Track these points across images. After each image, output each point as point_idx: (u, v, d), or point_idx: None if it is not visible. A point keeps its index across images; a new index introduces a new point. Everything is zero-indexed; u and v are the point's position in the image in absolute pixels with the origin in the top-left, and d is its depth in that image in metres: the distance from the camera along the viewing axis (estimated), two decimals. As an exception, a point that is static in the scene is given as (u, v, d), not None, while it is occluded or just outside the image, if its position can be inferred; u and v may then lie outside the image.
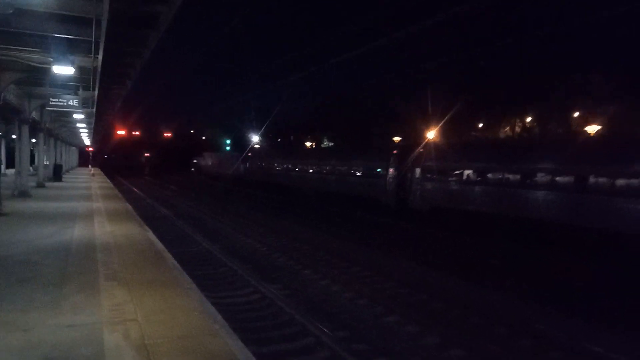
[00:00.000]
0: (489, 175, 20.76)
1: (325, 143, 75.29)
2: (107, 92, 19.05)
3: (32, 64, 13.44)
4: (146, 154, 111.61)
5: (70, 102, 15.94)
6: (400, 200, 26.18)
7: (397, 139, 45.62)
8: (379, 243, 17.75)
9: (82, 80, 16.40)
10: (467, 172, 21.85)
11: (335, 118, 61.90)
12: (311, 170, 35.61)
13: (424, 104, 46.45)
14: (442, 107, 42.75)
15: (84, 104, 20.21)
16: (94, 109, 23.96)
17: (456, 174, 22.51)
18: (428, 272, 13.05)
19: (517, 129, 53.21)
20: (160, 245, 11.29)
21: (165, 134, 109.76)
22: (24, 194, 21.36)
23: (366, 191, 29.08)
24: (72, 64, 12.03)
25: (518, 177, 19.15)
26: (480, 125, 56.55)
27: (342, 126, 60.44)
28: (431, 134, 41.40)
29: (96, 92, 17.80)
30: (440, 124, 39.04)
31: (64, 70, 12.19)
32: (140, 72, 17.15)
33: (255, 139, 79.36)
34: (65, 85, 16.97)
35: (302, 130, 68.64)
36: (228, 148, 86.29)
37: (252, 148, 61.83)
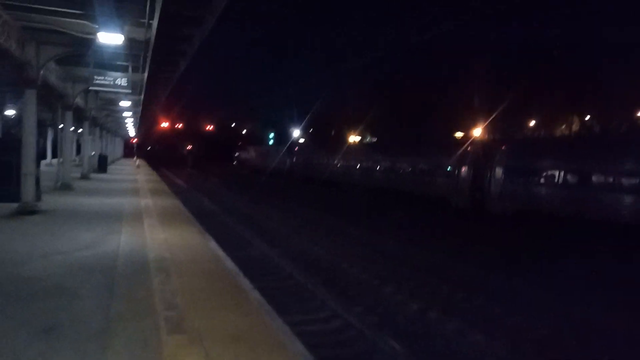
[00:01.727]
0: (594, 177, 17.37)
1: (369, 139, 72.07)
2: (157, 74, 16.61)
3: (75, 34, 10.89)
4: (188, 146, 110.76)
5: (118, 82, 13.45)
6: (476, 202, 22.91)
7: (459, 134, 42.03)
8: (463, 251, 14.69)
9: (132, 58, 13.86)
10: (564, 172, 18.47)
11: (386, 111, 58.57)
12: (367, 167, 32.56)
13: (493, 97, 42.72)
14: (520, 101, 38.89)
15: (132, 89, 17.76)
16: (142, 96, 21.58)
17: (549, 174, 19.14)
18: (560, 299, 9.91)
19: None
20: (230, 264, 8.51)
21: (208, 127, 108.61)
22: (66, 187, 19.18)
23: (432, 190, 25.88)
24: (121, 30, 9.36)
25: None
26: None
27: (395, 120, 57.09)
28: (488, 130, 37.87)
29: (146, 73, 15.28)
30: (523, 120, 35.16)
31: (111, 39, 9.60)
32: (197, 50, 14.46)
33: (297, 132, 76.82)
34: (112, 65, 14.48)
35: (351, 125, 65.40)
36: (271, 142, 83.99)
37: (300, 142, 59.32)
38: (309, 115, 70.48)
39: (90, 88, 13.64)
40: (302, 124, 76.66)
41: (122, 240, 9.96)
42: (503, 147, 21.91)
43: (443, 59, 58.90)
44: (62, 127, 19.97)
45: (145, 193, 20.44)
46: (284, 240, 16.34)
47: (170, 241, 10.14)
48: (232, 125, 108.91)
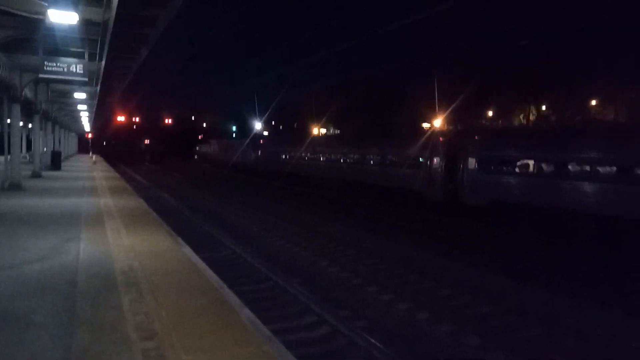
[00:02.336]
0: (569, 167, 17.09)
1: (332, 130, 71.37)
2: (116, 62, 15.12)
3: (22, 13, 9.42)
4: (146, 141, 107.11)
5: (72, 69, 11.89)
6: (449, 194, 22.41)
7: (426, 125, 41.72)
8: (443, 246, 14.14)
9: (88, 44, 12.40)
10: (538, 162, 18.15)
11: (350, 103, 57.91)
12: (336, 159, 31.68)
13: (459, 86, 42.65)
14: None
15: (88, 79, 16.18)
16: (98, 87, 19.90)
17: (526, 164, 18.79)
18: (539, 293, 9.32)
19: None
20: (210, 273, 7.41)
21: (166, 121, 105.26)
22: (15, 187, 17.42)
23: (403, 183, 25.26)
24: (75, 8, 8.04)
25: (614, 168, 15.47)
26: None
27: (358, 112, 56.51)
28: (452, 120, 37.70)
29: (103, 61, 13.80)
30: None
31: (63, 17, 8.23)
32: (161, 35, 13.12)
33: (260, 125, 75.23)
34: (65, 52, 12.93)
35: (314, 117, 64.40)
36: (234, 135, 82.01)
37: (264, 135, 57.83)
38: (271, 108, 69.11)
39: (41, 76, 12.02)
40: (264, 117, 75.14)
41: (82, 249, 8.68)
42: (476, 138, 21.46)
43: (407, 49, 58.85)
44: (9, 122, 18.12)
45: (104, 191, 18.86)
46: (256, 239, 15.37)
47: (137, 247, 8.93)
48: (192, 119, 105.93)
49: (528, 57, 48.62)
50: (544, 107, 56.64)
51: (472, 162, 21.01)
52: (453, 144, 22.55)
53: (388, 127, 55.63)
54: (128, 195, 18.43)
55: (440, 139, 23.44)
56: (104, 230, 10.51)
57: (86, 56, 12.03)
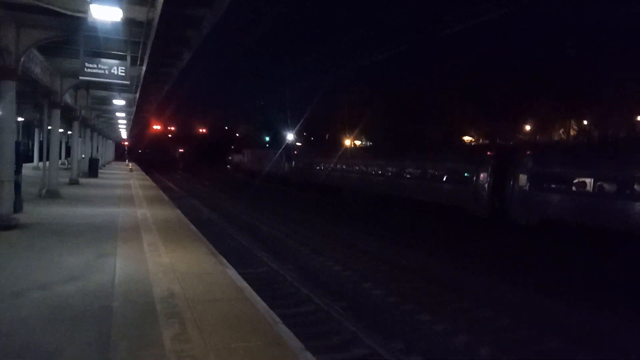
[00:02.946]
0: (633, 186, 15.58)
1: (365, 142, 70.20)
2: (157, 67, 14.47)
3: (63, 11, 8.75)
4: (180, 149, 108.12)
5: (114, 71, 11.21)
6: (496, 210, 21.01)
7: (467, 138, 40.25)
8: (501, 269, 12.87)
9: (130, 46, 11.72)
10: (604, 180, 16.68)
11: (383, 114, 56.83)
12: (375, 172, 30.53)
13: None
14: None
15: (127, 85, 15.63)
16: (137, 94, 19.40)
17: (584, 182, 17.33)
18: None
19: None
20: (263, 305, 6.42)
21: (200, 130, 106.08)
22: (52, 194, 16.94)
23: (448, 198, 23.92)
24: (119, 3, 7.26)
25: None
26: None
27: (393, 123, 55.32)
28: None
29: (144, 66, 13.14)
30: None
31: (107, 14, 7.47)
32: (204, 39, 12.36)
33: (291, 136, 74.77)
34: (106, 54, 12.28)
35: (346, 128, 63.51)
36: (267, 145, 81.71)
37: (298, 145, 57.10)
38: (303, 119, 68.53)
39: (81, 78, 11.37)
40: (296, 127, 74.63)
41: (118, 267, 7.84)
42: (528, 152, 20.03)
43: (439, 61, 57.38)
44: (49, 128, 17.74)
45: (140, 201, 18.23)
46: (294, 255, 14.42)
47: (177, 267, 8.04)
48: (226, 128, 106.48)
49: (569, 69, 46.80)
50: (585, 122, 54.40)
51: (523, 178, 19.62)
52: (502, 159, 21.17)
53: (423, 139, 54.25)
54: (164, 205, 17.74)
55: (489, 152, 22.09)
56: (141, 245, 9.69)
57: (128, 59, 11.37)
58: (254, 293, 6.82)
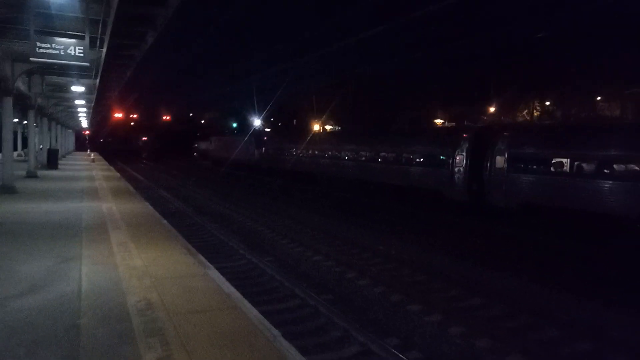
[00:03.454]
0: (615, 166, 15.43)
1: (334, 127, 69.45)
2: (119, 49, 13.23)
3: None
4: (144, 138, 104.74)
5: (70, 51, 9.90)
6: (474, 194, 20.70)
7: (438, 121, 39.97)
8: (487, 255, 12.51)
9: (89, 26, 10.51)
10: (579, 161, 16.48)
11: (352, 99, 56.22)
12: (349, 157, 29.87)
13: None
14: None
15: (87, 69, 14.34)
16: (98, 80, 18.02)
17: (561, 163, 17.11)
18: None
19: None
20: (255, 313, 5.63)
21: (164, 117, 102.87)
22: (7, 189, 15.55)
23: (423, 182, 23.50)
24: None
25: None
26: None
27: (361, 108, 54.79)
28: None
29: (105, 49, 11.92)
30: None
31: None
32: (170, 20, 11.27)
33: (258, 122, 73.37)
34: (62, 35, 11.01)
35: (314, 113, 62.61)
36: (234, 132, 79.93)
37: (268, 131, 55.82)
38: (270, 104, 67.18)
39: (32, 59, 9.98)
40: (263, 114, 73.21)
41: (85, 273, 6.88)
42: (506, 133, 19.72)
43: (410, 45, 56.98)
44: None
45: (105, 194, 16.99)
46: (272, 245, 13.77)
47: (153, 270, 7.14)
48: (190, 115, 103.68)
49: (530, 51, 47.26)
50: (547, 103, 55.34)
51: (500, 160, 19.29)
52: (479, 140, 20.79)
53: (391, 123, 54.02)
54: (132, 197, 16.59)
55: (465, 134, 21.69)
56: (110, 245, 8.70)
57: (87, 38, 10.12)
58: (243, 300, 6.02)
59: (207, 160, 63.70)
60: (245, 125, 76.63)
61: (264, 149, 41.22)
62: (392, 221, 18.48)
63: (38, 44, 9.65)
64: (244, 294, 6.56)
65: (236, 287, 6.85)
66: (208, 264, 7.77)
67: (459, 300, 9.07)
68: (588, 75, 44.97)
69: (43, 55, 9.69)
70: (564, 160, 17.06)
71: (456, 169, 21.58)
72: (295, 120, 78.75)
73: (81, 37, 10.15)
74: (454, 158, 21.70)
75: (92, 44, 11.73)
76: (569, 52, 44.14)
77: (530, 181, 18.18)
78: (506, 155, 19.05)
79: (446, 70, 52.97)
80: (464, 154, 21.21)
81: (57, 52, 9.76)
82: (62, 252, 8.11)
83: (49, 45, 9.75)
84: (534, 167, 18.07)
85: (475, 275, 10.58)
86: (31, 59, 9.81)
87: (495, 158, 19.58)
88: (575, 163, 16.58)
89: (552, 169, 17.35)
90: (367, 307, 8.69)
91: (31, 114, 21.26)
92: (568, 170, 16.96)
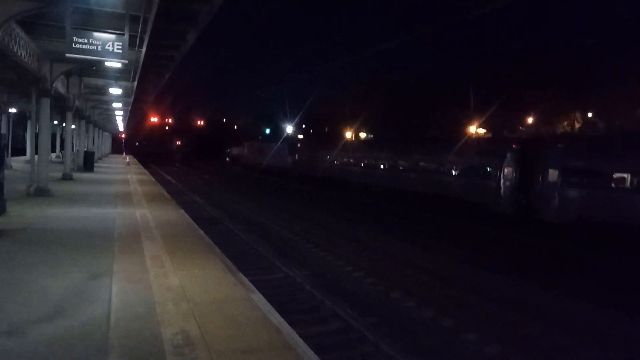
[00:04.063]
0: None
1: (367, 135, 68.25)
2: (158, 50, 12.62)
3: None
4: (178, 142, 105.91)
5: (109, 47, 9.25)
6: (522, 207, 19.36)
7: (481, 131, 38.49)
8: (541, 273, 11.32)
9: (130, 23, 9.85)
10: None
11: (384, 107, 55.09)
12: (383, 165, 28.80)
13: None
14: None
15: (124, 70, 13.77)
16: (135, 82, 17.52)
17: (620, 177, 15.68)
18: None
19: None
20: (310, 354, 4.67)
21: (198, 122, 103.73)
22: (42, 192, 15.10)
23: (465, 194, 22.25)
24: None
25: None
26: None
27: (396, 116, 53.58)
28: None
29: (144, 49, 11.26)
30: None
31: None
32: (213, 18, 10.51)
33: (291, 129, 72.89)
34: (100, 31, 10.38)
35: (346, 121, 61.59)
36: (265, 138, 79.72)
37: (301, 138, 55.23)
38: (302, 111, 66.65)
39: (68, 56, 9.38)
40: (295, 120, 72.75)
41: (115, 293, 6.06)
42: (560, 145, 18.35)
43: (443, 54, 55.51)
44: (36, 117, 15.84)
45: (139, 199, 16.39)
46: (308, 257, 12.98)
47: (190, 292, 6.27)
48: (224, 121, 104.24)
49: (574, 59, 45.25)
50: (590, 114, 52.91)
51: (554, 173, 17.93)
52: (528, 152, 19.48)
53: (426, 132, 52.63)
54: (166, 204, 15.92)
55: (514, 146, 20.36)
56: (143, 259, 7.90)
57: (126, 35, 9.44)
58: (296, 336, 5.06)
59: (239, 165, 63.52)
60: (276, 131, 76.33)
61: (297, 155, 40.53)
62: (432, 234, 17.33)
63: (75, 38, 9.00)
64: (288, 318, 5.70)
65: (278, 306, 6.00)
66: (251, 285, 6.85)
67: (518, 326, 8.09)
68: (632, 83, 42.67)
69: (80, 51, 9.02)
70: (626, 175, 15.63)
71: (503, 181, 20.28)
72: (327, 128, 78.03)
73: (120, 34, 9.47)
74: (501, 169, 20.40)
75: (132, 43, 11.09)
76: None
77: (587, 195, 16.76)
78: (560, 167, 17.69)
79: (485, 76, 51.29)
80: (512, 165, 19.89)
81: (94, 47, 9.09)
82: (92, 265, 7.35)
83: (86, 41, 9.08)
84: (592, 180, 16.63)
85: (535, 298, 9.53)
86: (67, 54, 9.16)
87: (547, 170, 18.23)
88: (636, 177, 15.14)
89: (612, 183, 15.93)
90: (416, 331, 7.74)
91: (69, 116, 20.99)
92: (629, 185, 15.55)
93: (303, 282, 10.15)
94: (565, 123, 54.41)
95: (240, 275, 7.33)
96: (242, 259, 11.78)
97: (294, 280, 10.45)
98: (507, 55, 48.93)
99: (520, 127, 55.17)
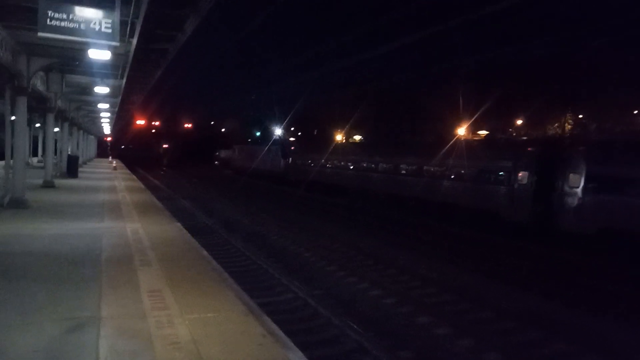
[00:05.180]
0: None
1: (358, 138, 66.76)
2: (151, 42, 10.80)
3: None
4: (165, 145, 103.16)
5: (94, 25, 7.25)
6: (538, 216, 17.91)
7: (482, 132, 37.14)
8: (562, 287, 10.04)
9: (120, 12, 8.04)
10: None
11: (375, 110, 53.78)
12: (385, 170, 27.17)
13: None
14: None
15: (111, 68, 11.95)
16: (124, 80, 15.66)
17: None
18: None
19: None
20: None
21: (185, 125, 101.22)
22: (17, 204, 13.13)
23: (475, 200, 20.73)
24: None
25: None
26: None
27: (387, 119, 52.28)
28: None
29: (135, 37, 9.50)
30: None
31: None
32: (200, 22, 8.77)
33: (280, 131, 71.18)
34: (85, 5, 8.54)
35: (337, 123, 60.04)
36: (253, 141, 77.80)
37: (295, 140, 53.37)
38: (291, 114, 65.03)
39: (41, 34, 7.33)
40: (284, 123, 71.05)
41: (104, 357, 4.30)
42: (582, 148, 16.92)
43: (433, 56, 54.53)
44: (14, 119, 13.88)
45: (129, 210, 14.48)
46: (315, 272, 11.50)
47: (207, 353, 4.54)
48: (212, 124, 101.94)
49: (564, 62, 44.66)
50: (580, 116, 52.18)
51: (576, 179, 16.50)
52: (546, 156, 18.03)
53: (416, 135, 51.52)
54: (159, 215, 14.07)
55: (528, 148, 18.89)
56: (139, 296, 6.12)
57: (117, 11, 7.48)
58: None
59: (228, 169, 61.41)
60: (266, 134, 74.46)
61: (290, 159, 38.69)
62: (443, 244, 15.81)
63: (50, 12, 6.91)
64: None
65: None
66: (284, 336, 5.13)
67: (540, 347, 7.27)
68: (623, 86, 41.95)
69: (56, 29, 6.85)
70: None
71: (517, 187, 18.81)
72: (316, 131, 76.33)
73: (110, 9, 7.47)
74: (515, 174, 18.92)
75: (121, 32, 9.25)
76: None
77: (615, 203, 15.34)
78: (584, 173, 16.27)
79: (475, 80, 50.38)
80: (528, 170, 18.42)
81: (75, 25, 7.09)
82: (73, 308, 5.56)
83: (65, 17, 7.04)
84: (622, 187, 15.20)
85: (558, 315, 8.54)
86: (39, 34, 7.11)
87: (568, 176, 16.80)
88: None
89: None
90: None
91: (50, 117, 18.97)
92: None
93: (316, 303, 8.65)
94: (556, 125, 53.62)
95: (267, 320, 5.60)
96: (248, 278, 10.22)
97: (305, 301, 8.87)
98: (497, 60, 48.05)
99: (511, 130, 54.31)
